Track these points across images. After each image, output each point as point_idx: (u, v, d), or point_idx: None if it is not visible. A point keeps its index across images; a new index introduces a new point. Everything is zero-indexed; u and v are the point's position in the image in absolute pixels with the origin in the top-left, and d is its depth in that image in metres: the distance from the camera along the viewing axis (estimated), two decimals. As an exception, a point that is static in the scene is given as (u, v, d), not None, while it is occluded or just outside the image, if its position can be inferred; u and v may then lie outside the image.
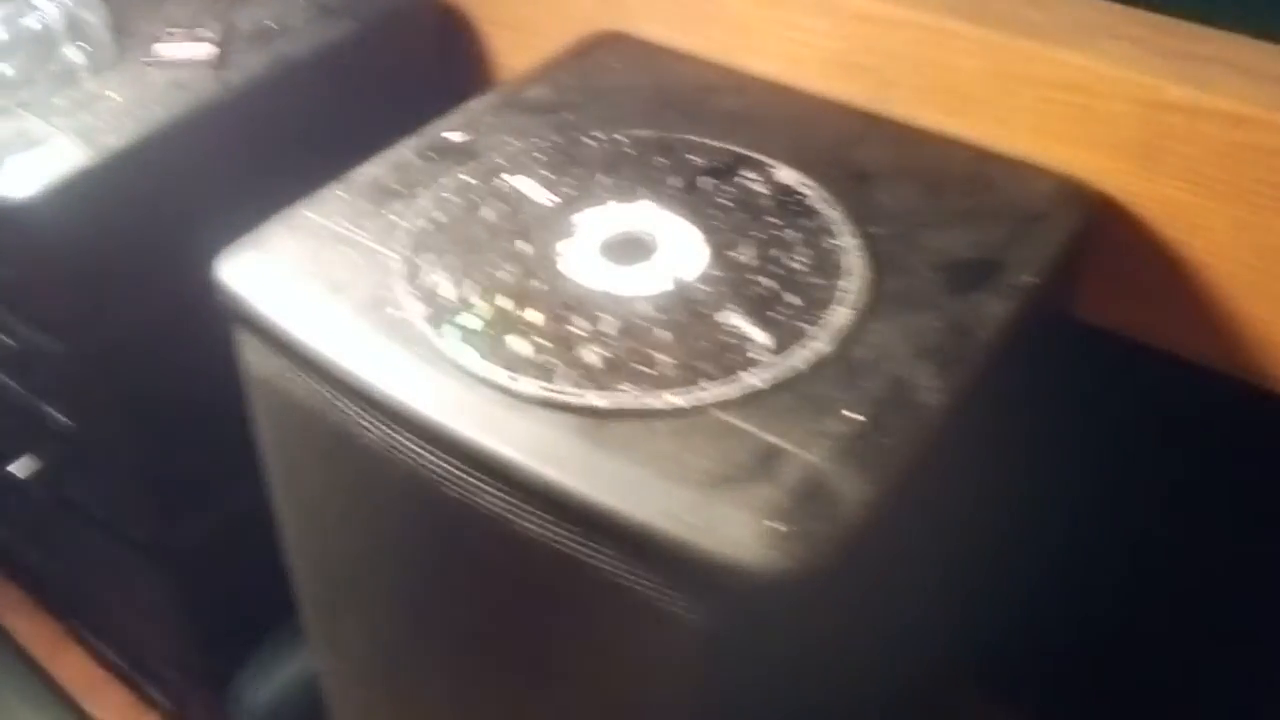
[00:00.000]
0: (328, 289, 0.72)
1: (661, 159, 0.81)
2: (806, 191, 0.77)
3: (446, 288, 0.71)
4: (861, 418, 0.62)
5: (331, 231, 0.76)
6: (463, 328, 0.68)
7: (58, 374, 0.98)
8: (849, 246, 0.72)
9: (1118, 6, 0.80)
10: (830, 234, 0.74)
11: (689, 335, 0.67)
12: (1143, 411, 0.90)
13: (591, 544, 0.60)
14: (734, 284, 0.70)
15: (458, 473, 0.64)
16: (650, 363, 0.65)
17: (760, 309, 0.68)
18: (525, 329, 0.68)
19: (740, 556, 0.56)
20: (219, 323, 0.76)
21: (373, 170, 0.82)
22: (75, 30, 0.95)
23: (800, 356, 0.65)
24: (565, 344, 0.67)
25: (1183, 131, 0.74)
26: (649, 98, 0.89)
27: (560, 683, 0.71)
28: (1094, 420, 0.90)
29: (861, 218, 0.75)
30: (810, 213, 0.75)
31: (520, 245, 0.74)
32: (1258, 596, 0.93)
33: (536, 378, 0.64)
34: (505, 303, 0.70)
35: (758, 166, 0.80)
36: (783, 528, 0.56)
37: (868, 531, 0.58)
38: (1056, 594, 0.97)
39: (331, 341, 0.69)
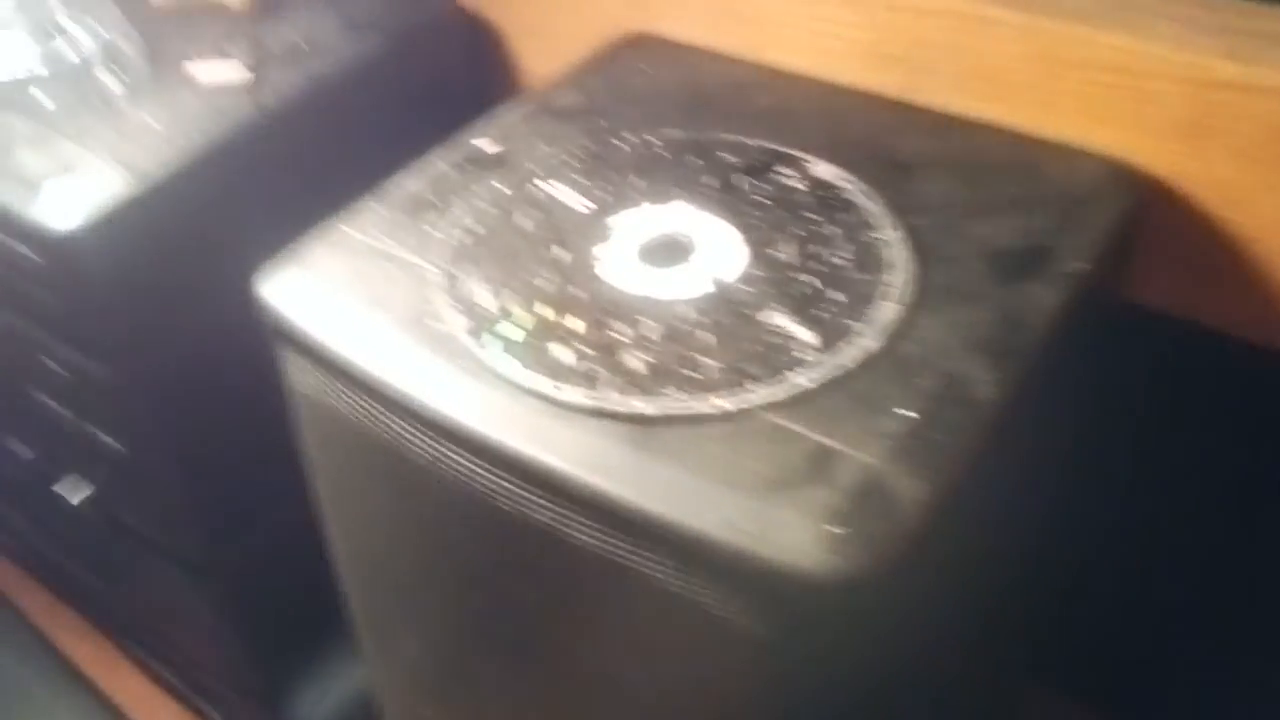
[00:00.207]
0: (367, 303, 0.71)
1: (695, 159, 0.80)
2: (845, 185, 0.76)
3: (486, 298, 0.70)
4: (915, 415, 0.61)
5: (369, 246, 0.76)
6: (504, 338, 0.67)
7: (106, 399, 0.98)
8: (892, 240, 0.71)
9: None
10: (872, 228, 0.72)
11: (733, 337, 0.66)
12: (1196, 392, 0.89)
13: (645, 553, 0.59)
14: (776, 283, 0.69)
15: (506, 484, 0.63)
16: (695, 366, 0.64)
17: (804, 307, 0.67)
18: (567, 337, 0.67)
19: (798, 562, 0.54)
20: (263, 342, 0.76)
21: (407, 183, 0.81)
22: (111, 59, 0.96)
23: (848, 354, 0.64)
24: (608, 350, 0.66)
25: (1233, 110, 0.72)
26: (679, 98, 0.88)
27: (616, 694, 0.71)
28: (1147, 403, 0.89)
29: (903, 210, 0.73)
30: (850, 207, 0.74)
31: (557, 252, 0.73)
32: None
33: (581, 386, 0.64)
34: (545, 311, 0.69)
35: (793, 162, 0.78)
36: (840, 531, 0.55)
37: (926, 531, 0.57)
38: (1113, 583, 0.95)
39: (373, 356, 0.68)
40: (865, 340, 0.65)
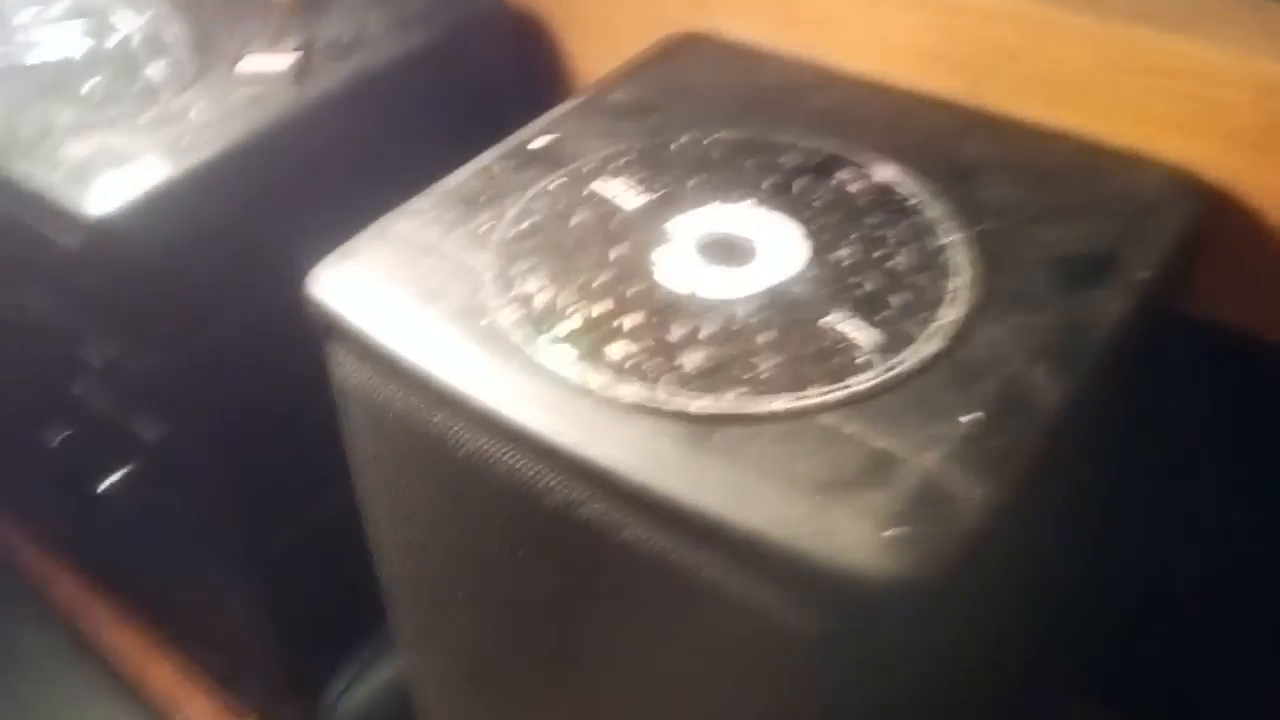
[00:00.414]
0: (420, 299, 0.71)
1: (753, 160, 0.79)
2: (906, 189, 0.75)
3: (540, 295, 0.70)
4: (974, 420, 0.60)
5: (422, 242, 0.75)
6: (559, 335, 0.67)
7: (147, 387, 0.98)
8: (954, 244, 0.70)
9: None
10: (933, 232, 0.71)
11: (792, 338, 0.65)
12: (1257, 407, 0.87)
13: (698, 552, 0.58)
14: (836, 285, 0.68)
15: (557, 482, 0.63)
16: (753, 367, 0.63)
17: (865, 310, 0.66)
18: (622, 334, 0.66)
19: (856, 564, 0.54)
20: (306, 333, 0.76)
21: (460, 179, 0.81)
22: (156, 48, 0.96)
23: (908, 358, 0.63)
24: (665, 349, 0.65)
25: (1302, 118, 0.71)
26: (736, 98, 0.87)
27: (661, 694, 0.70)
28: (1205, 416, 0.87)
29: (965, 214, 0.72)
30: (911, 210, 0.73)
31: (613, 251, 0.73)
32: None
33: (636, 384, 0.63)
34: (601, 309, 0.68)
35: (853, 165, 0.78)
36: (899, 534, 0.54)
37: (985, 536, 0.56)
38: (1170, 593, 0.94)
39: (426, 352, 0.68)
40: (926, 344, 0.64)
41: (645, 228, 0.74)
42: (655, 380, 0.63)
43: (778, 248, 0.72)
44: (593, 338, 0.66)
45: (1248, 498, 0.91)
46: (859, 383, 0.62)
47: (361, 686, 1.22)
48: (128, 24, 0.95)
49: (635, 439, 0.61)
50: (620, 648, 0.69)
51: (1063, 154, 0.78)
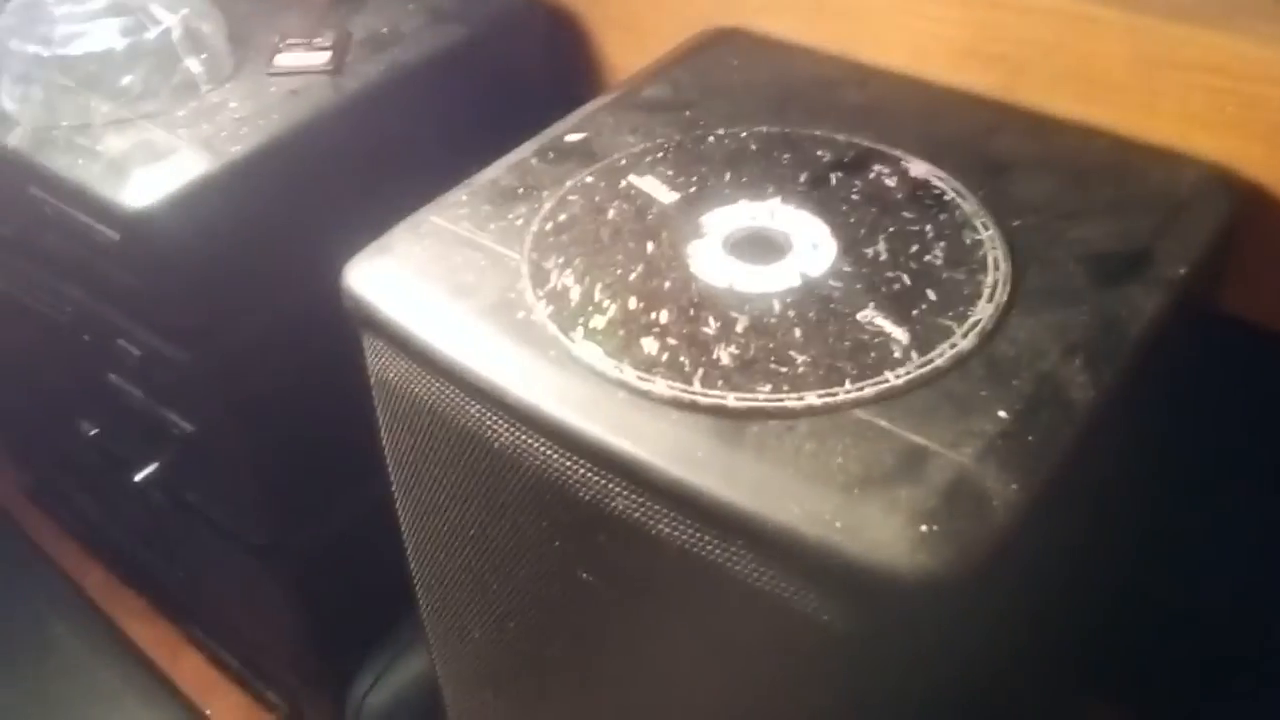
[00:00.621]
0: (455, 293, 0.71)
1: (787, 155, 0.79)
2: (940, 184, 0.75)
3: (574, 289, 0.70)
4: (1008, 415, 0.60)
5: (457, 235, 0.76)
6: (592, 329, 0.67)
7: (180, 380, 0.99)
8: (988, 240, 0.70)
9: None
10: (968, 227, 0.71)
11: (825, 333, 0.65)
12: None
13: (729, 547, 0.59)
14: (870, 280, 0.68)
15: (590, 475, 0.63)
16: (787, 362, 0.63)
17: (899, 305, 0.66)
18: (656, 329, 0.67)
19: (888, 559, 0.54)
20: (338, 327, 0.76)
21: (495, 173, 0.81)
22: (194, 42, 0.97)
23: (943, 354, 0.63)
24: (698, 344, 0.65)
25: (1340, 114, 0.71)
26: (770, 93, 0.87)
27: (695, 689, 0.70)
28: (1238, 413, 0.87)
29: (1000, 210, 0.72)
30: (945, 206, 0.73)
31: (647, 245, 0.73)
32: None
33: (670, 379, 0.63)
34: (634, 303, 0.68)
35: (888, 160, 0.78)
36: (931, 530, 0.54)
37: (1018, 533, 0.56)
38: (1200, 593, 0.93)
39: (461, 345, 0.68)
40: (959, 340, 0.64)
41: (680, 222, 0.75)
42: (689, 375, 0.63)
43: (812, 242, 0.72)
44: (627, 332, 0.67)
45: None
46: (893, 378, 0.62)
47: (389, 681, 1.23)
48: (167, 18, 0.95)
49: (669, 433, 0.61)
50: (652, 641, 0.70)
51: (1098, 150, 0.78)
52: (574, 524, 0.66)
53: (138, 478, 1.10)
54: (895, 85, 0.87)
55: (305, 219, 0.93)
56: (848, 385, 0.62)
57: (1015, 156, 0.77)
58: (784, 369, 0.63)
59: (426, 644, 0.94)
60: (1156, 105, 0.77)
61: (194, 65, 0.96)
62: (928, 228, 0.72)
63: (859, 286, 0.68)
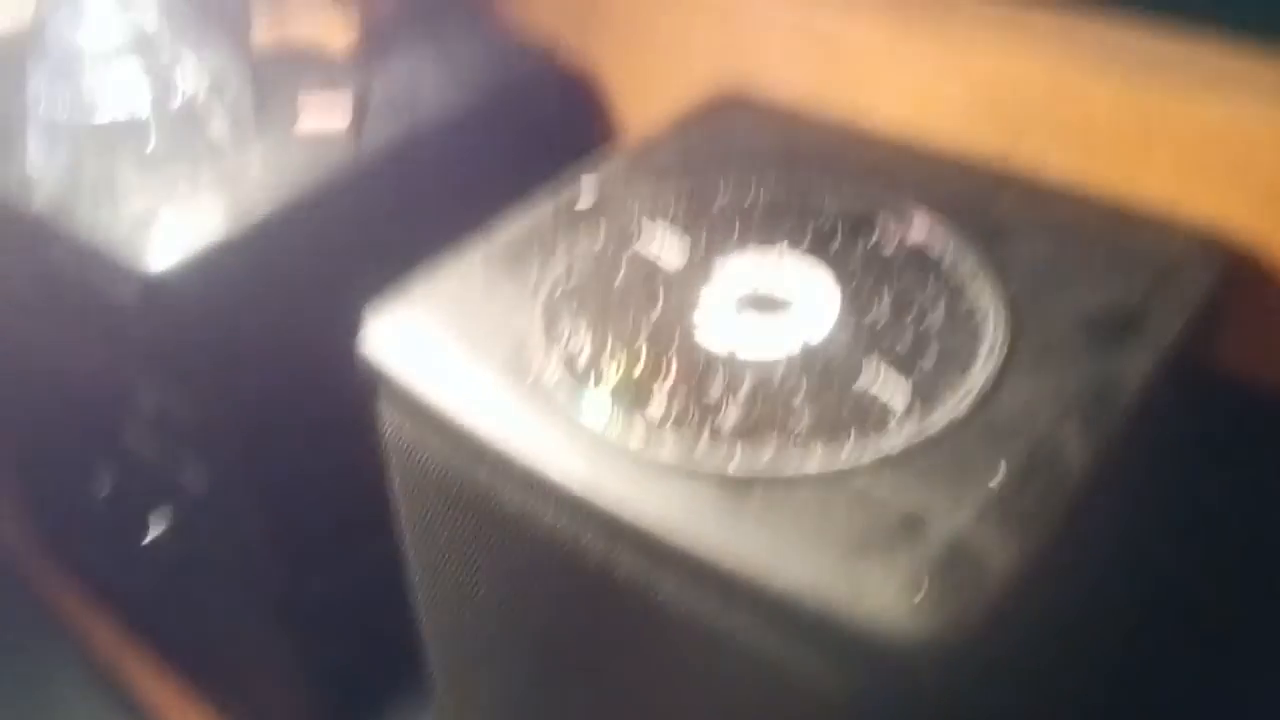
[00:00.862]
0: (466, 352, 0.73)
1: (792, 219, 0.81)
2: (940, 246, 0.77)
3: (584, 352, 0.72)
4: (1005, 479, 0.61)
5: (470, 297, 0.78)
6: (601, 392, 0.69)
7: (192, 435, 1.00)
8: (985, 303, 0.72)
9: (1257, 54, 0.79)
10: (966, 289, 0.73)
11: (826, 395, 0.67)
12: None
13: (732, 611, 0.60)
14: (870, 344, 0.70)
15: (598, 540, 0.65)
16: (788, 424, 0.65)
17: (900, 367, 0.68)
18: (662, 393, 0.68)
19: (885, 623, 0.55)
20: (352, 387, 0.78)
21: (508, 234, 0.83)
22: (218, 105, 0.99)
23: (940, 416, 0.64)
24: (704, 406, 0.67)
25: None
26: (777, 155, 0.89)
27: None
28: (1234, 471, 0.88)
29: (997, 272, 0.74)
30: (944, 269, 0.75)
31: (655, 307, 0.75)
32: None
33: (675, 442, 0.65)
34: (642, 366, 0.70)
35: (889, 221, 0.79)
36: (929, 593, 0.56)
37: (1015, 596, 0.57)
38: (1194, 651, 0.94)
39: (471, 406, 0.70)
40: (957, 402, 0.65)
41: (686, 285, 0.76)
42: (693, 439, 0.65)
43: (814, 306, 0.73)
44: (634, 395, 0.68)
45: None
46: (892, 442, 0.63)
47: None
48: (192, 82, 0.98)
49: (673, 498, 0.62)
50: (656, 703, 0.71)
51: (1093, 213, 0.80)
52: (582, 586, 0.67)
53: (149, 534, 1.12)
54: (898, 147, 0.89)
55: (322, 280, 0.95)
56: (849, 448, 0.63)
57: (1013, 219, 0.79)
58: (786, 433, 0.64)
59: (435, 701, 0.95)
60: (1149, 169, 0.79)
61: (217, 128, 0.99)
62: (928, 289, 0.73)
63: (860, 350, 0.70)
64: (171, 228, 0.91)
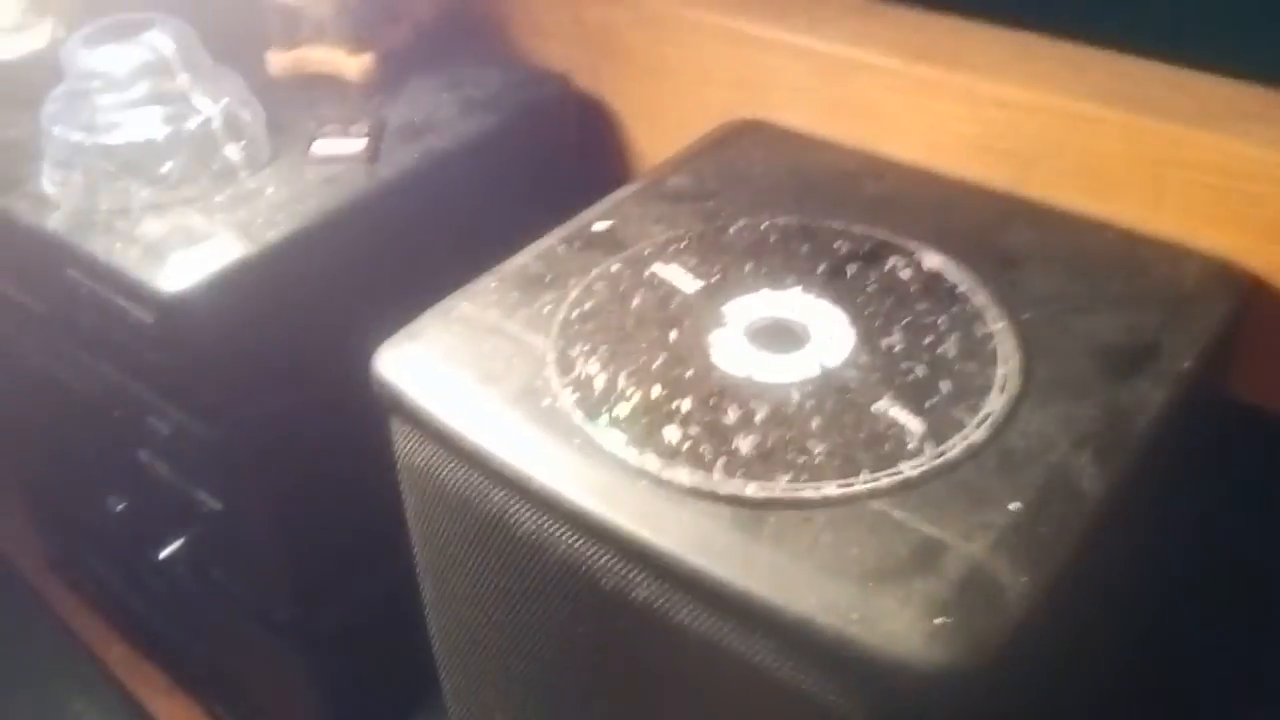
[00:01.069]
0: (482, 379, 0.73)
1: (806, 246, 0.82)
2: (953, 276, 0.77)
3: (599, 377, 0.72)
4: (1020, 508, 0.61)
5: (485, 322, 0.78)
6: (616, 417, 0.69)
7: (208, 458, 1.01)
8: (1000, 332, 0.72)
9: (1266, 89, 0.80)
10: (980, 320, 0.73)
11: (842, 424, 0.67)
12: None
13: (747, 636, 0.60)
14: (885, 371, 0.70)
15: (612, 563, 0.65)
16: (805, 452, 0.65)
17: (914, 397, 0.68)
18: (678, 418, 0.69)
19: (903, 652, 0.55)
20: (367, 410, 0.78)
21: (523, 261, 0.84)
22: (234, 130, 1.00)
23: (957, 445, 0.65)
24: (719, 434, 0.67)
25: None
26: (790, 185, 0.90)
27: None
28: (1248, 499, 0.88)
29: (1010, 302, 0.75)
30: (958, 298, 0.75)
31: (670, 334, 0.75)
32: None
33: (691, 468, 0.65)
34: (657, 392, 0.71)
35: (903, 252, 0.80)
36: (945, 622, 0.56)
37: (1031, 625, 0.57)
38: (1214, 677, 0.94)
39: (486, 432, 0.70)
40: (972, 431, 0.66)
41: (702, 311, 0.77)
42: (710, 464, 0.65)
43: (829, 333, 0.74)
44: (650, 420, 0.69)
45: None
46: (908, 469, 0.64)
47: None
48: (208, 106, 0.98)
49: (690, 523, 0.63)
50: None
51: (1105, 244, 0.80)
52: (596, 610, 0.68)
53: (163, 554, 1.12)
54: (910, 178, 0.90)
55: (337, 303, 0.96)
56: (864, 476, 0.63)
57: (1025, 249, 0.80)
58: (802, 459, 0.65)
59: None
60: (1161, 201, 0.80)
61: (233, 152, 0.99)
62: (941, 319, 0.74)
63: (875, 377, 0.70)
64: (187, 249, 0.92)
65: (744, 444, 0.66)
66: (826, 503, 0.62)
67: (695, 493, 0.64)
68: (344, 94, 1.11)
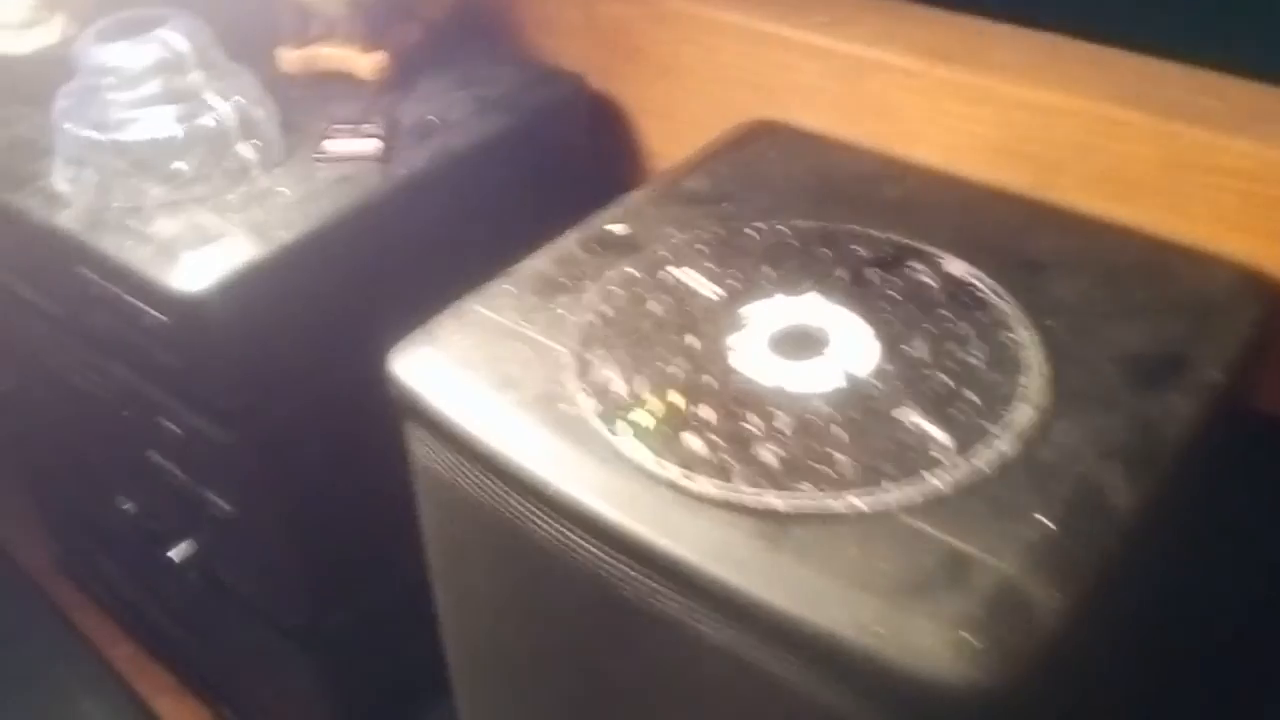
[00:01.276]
0: (499, 384, 0.73)
1: (826, 250, 0.81)
2: (977, 282, 0.76)
3: (617, 383, 0.71)
4: (1050, 522, 0.60)
5: (501, 326, 0.77)
6: (635, 424, 0.68)
7: (220, 460, 1.00)
8: (1026, 340, 0.71)
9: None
10: (1005, 327, 0.72)
11: (867, 433, 0.66)
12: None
13: (772, 651, 0.59)
14: (909, 380, 0.69)
15: (632, 573, 0.64)
16: (829, 462, 0.64)
17: (939, 406, 0.67)
18: (699, 426, 0.67)
19: (932, 669, 0.54)
20: (381, 413, 0.77)
21: (539, 263, 0.83)
22: (247, 129, 0.99)
23: (984, 457, 0.64)
24: (740, 442, 0.66)
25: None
26: (809, 187, 0.88)
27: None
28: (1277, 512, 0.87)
29: (1036, 310, 0.73)
30: (983, 305, 0.74)
31: (689, 339, 0.74)
32: None
33: (712, 477, 0.64)
34: (677, 399, 0.69)
35: (925, 257, 0.79)
36: (975, 639, 0.55)
37: (1061, 641, 0.56)
38: (1250, 691, 0.93)
39: (503, 437, 0.70)
40: (1001, 443, 0.64)
41: (720, 315, 0.76)
42: (731, 473, 0.64)
43: (851, 339, 0.73)
44: (669, 427, 0.68)
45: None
46: (935, 481, 0.62)
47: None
48: (221, 104, 0.97)
49: (711, 533, 0.62)
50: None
51: (1131, 250, 0.79)
52: (614, 619, 0.67)
53: (173, 555, 1.11)
54: (931, 181, 0.88)
55: (351, 304, 0.95)
56: (889, 487, 0.62)
57: (1050, 255, 0.78)
58: (828, 470, 0.64)
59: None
60: (1187, 207, 0.79)
61: (246, 151, 0.98)
62: (966, 327, 0.73)
63: (899, 385, 0.69)
64: (200, 249, 0.91)
65: (767, 454, 0.65)
66: (851, 514, 0.61)
67: (718, 502, 0.63)
68: (356, 92, 1.10)
